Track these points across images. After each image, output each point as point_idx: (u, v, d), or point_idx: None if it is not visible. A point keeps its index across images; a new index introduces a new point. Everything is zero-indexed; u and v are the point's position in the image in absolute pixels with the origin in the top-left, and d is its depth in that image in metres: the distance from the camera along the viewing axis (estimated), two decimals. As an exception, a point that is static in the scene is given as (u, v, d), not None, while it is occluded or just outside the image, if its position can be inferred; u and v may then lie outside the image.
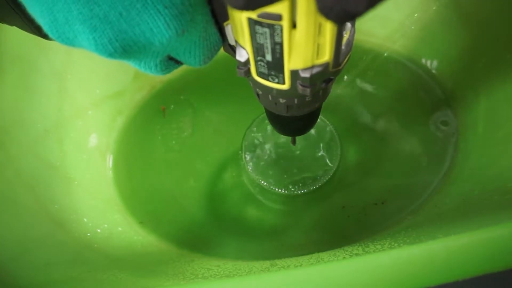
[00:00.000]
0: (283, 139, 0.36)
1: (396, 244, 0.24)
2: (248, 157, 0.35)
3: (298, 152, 0.35)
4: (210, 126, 0.38)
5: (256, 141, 0.36)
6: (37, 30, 0.18)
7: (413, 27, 0.37)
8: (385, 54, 0.39)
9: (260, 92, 0.18)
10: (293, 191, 0.34)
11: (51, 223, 0.30)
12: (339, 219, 0.33)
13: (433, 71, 0.38)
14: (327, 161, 0.35)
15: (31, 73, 0.33)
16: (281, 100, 0.18)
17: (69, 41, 0.14)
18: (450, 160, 0.34)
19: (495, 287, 0.29)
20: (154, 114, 0.39)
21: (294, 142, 0.30)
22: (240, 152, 0.36)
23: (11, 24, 0.19)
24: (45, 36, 0.19)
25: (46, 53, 0.33)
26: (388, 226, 0.31)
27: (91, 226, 0.32)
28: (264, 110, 0.23)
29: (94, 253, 0.30)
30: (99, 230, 0.32)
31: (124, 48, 0.13)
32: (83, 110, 0.37)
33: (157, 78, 0.40)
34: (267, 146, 0.36)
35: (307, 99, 0.18)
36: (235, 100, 0.40)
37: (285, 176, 0.35)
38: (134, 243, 0.32)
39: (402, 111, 0.37)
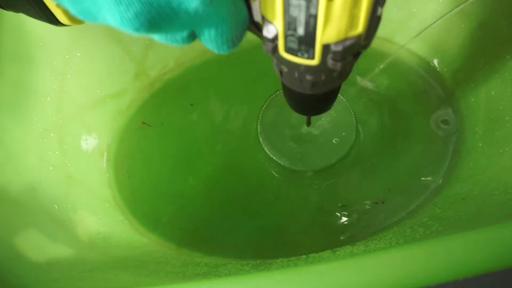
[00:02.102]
0: (295, 121, 0.37)
1: (396, 243, 0.24)
2: (263, 135, 0.36)
3: (314, 132, 0.36)
4: (210, 125, 0.38)
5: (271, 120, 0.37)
6: (45, 16, 0.18)
7: (413, 27, 0.37)
8: (386, 54, 0.39)
9: (285, 70, 0.18)
10: (304, 168, 0.35)
11: (51, 223, 0.30)
12: (339, 218, 0.33)
13: (434, 70, 0.38)
14: (341, 141, 0.35)
15: (31, 73, 0.33)
16: (308, 77, 0.17)
17: (92, 16, 0.13)
18: (450, 159, 0.34)
19: (495, 287, 0.29)
20: (154, 114, 0.39)
21: (308, 123, 0.30)
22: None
23: (17, 11, 0.18)
24: (53, 22, 0.19)
25: (46, 53, 0.33)
26: (388, 225, 0.31)
27: (91, 225, 0.32)
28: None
29: (94, 252, 0.30)
30: (99, 230, 0.32)
31: (150, 21, 0.13)
32: (83, 110, 0.37)
33: (157, 78, 0.40)
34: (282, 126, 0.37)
35: (334, 75, 0.17)
36: (235, 99, 0.40)
37: (298, 153, 0.35)
38: (134, 242, 0.32)
39: (403, 110, 0.37)
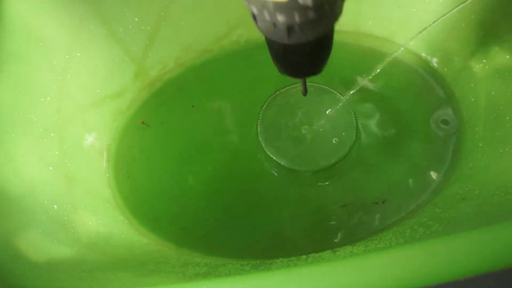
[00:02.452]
0: (295, 121, 0.36)
1: (396, 243, 0.24)
2: (262, 133, 0.36)
3: (313, 131, 0.36)
4: (210, 125, 0.38)
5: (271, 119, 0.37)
6: None
7: (413, 27, 0.37)
8: (386, 54, 0.39)
9: (255, 12, 0.16)
10: (304, 169, 0.35)
11: (51, 223, 0.30)
12: (339, 218, 0.33)
13: (434, 70, 0.38)
14: (341, 141, 0.35)
15: (31, 73, 0.33)
16: (280, 18, 0.16)
17: None
18: (450, 159, 0.34)
19: (495, 287, 0.29)
20: (154, 114, 0.39)
21: (305, 91, 0.26)
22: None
23: None
24: None
25: (46, 53, 0.33)
26: (388, 225, 0.31)
27: (91, 225, 0.32)
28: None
29: (94, 252, 0.30)
30: (99, 230, 0.32)
31: None
32: (83, 110, 0.37)
33: (157, 78, 0.40)
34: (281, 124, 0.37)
35: (310, 17, 0.15)
36: (235, 99, 0.40)
37: (298, 153, 0.35)
38: (134, 242, 0.32)
39: (403, 109, 0.37)
